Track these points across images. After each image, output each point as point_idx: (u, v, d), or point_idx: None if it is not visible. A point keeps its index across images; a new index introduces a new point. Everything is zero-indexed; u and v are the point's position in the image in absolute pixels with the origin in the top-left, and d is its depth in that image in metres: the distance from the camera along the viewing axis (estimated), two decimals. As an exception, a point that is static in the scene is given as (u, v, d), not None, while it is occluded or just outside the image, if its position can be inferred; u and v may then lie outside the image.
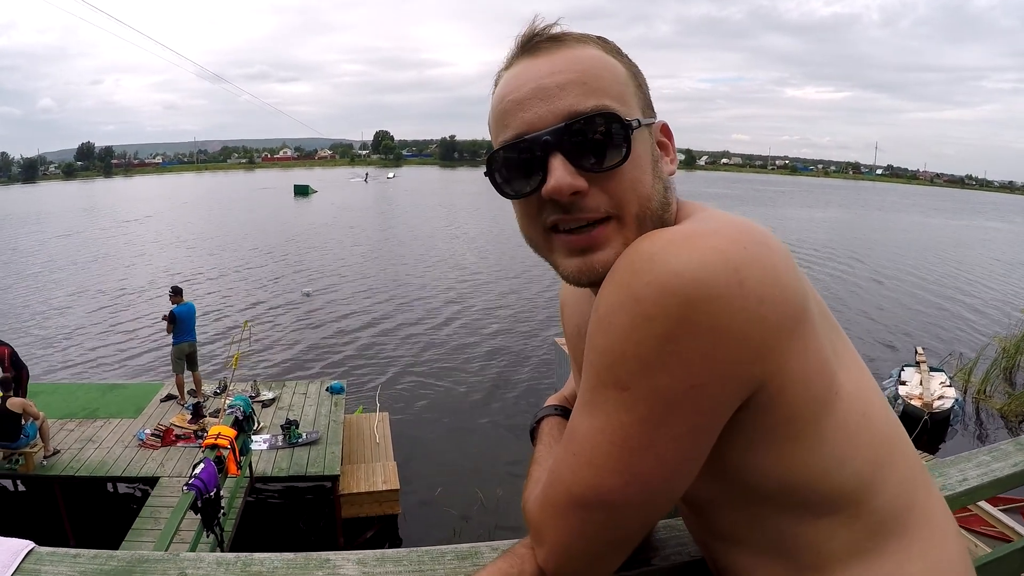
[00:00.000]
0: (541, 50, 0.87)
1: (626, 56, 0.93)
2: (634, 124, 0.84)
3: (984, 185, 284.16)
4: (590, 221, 0.84)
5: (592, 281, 0.86)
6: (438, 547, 0.97)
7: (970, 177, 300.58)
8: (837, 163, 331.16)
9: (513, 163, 0.87)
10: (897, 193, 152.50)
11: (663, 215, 0.88)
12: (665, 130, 0.95)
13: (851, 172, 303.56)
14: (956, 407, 13.47)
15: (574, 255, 0.87)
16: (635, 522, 0.80)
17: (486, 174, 0.91)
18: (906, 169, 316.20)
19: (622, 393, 0.73)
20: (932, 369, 14.90)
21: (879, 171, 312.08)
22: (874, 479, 0.83)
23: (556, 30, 0.90)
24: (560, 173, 0.82)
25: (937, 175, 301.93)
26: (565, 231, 0.86)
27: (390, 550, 0.94)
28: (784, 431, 0.78)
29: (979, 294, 27.78)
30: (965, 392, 15.31)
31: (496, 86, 0.91)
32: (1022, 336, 18.43)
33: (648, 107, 0.92)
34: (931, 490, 0.92)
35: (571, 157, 0.82)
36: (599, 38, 0.92)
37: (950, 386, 14.08)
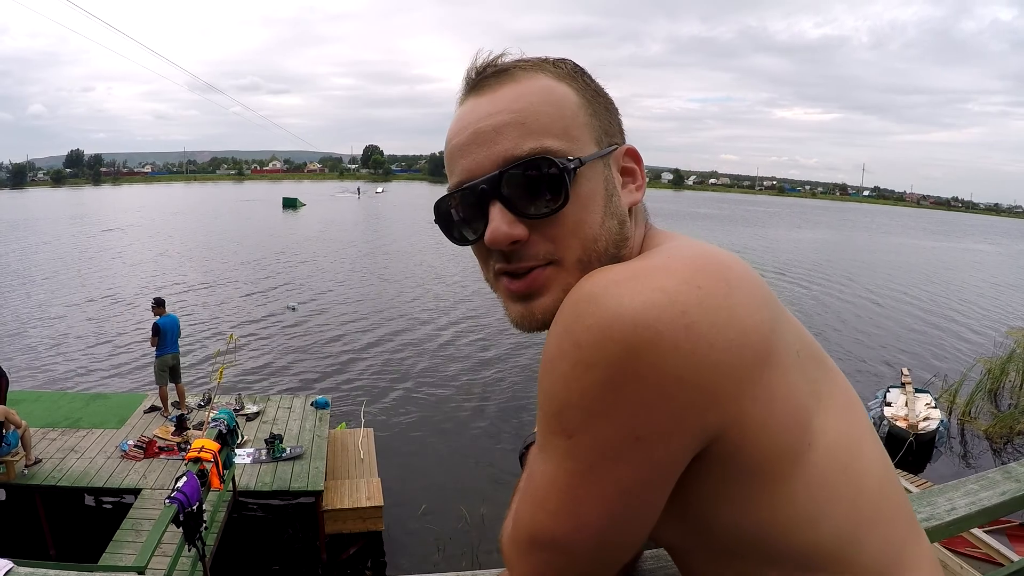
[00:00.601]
0: (485, 88, 0.85)
1: (585, 78, 0.89)
2: (572, 165, 0.80)
3: (970, 207, 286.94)
4: (531, 268, 0.83)
5: (534, 328, 0.85)
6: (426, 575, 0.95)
7: (956, 199, 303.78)
8: (824, 184, 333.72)
9: (457, 211, 0.86)
10: (885, 215, 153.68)
11: (617, 252, 0.84)
12: (632, 154, 0.90)
13: (838, 193, 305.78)
14: (941, 428, 13.52)
15: (517, 301, 0.85)
16: (594, 566, 0.77)
17: (435, 221, 0.89)
18: (893, 191, 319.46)
19: (568, 441, 0.71)
20: (917, 390, 14.95)
21: (866, 192, 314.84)
22: (856, 536, 0.78)
23: (507, 59, 0.87)
24: (496, 223, 0.80)
25: (923, 197, 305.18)
26: (508, 276, 0.85)
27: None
28: (750, 483, 0.74)
29: (968, 315, 27.96)
30: (950, 413, 15.37)
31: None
32: (1007, 357, 18.58)
33: (606, 134, 0.87)
34: (920, 543, 0.86)
35: (509, 205, 0.80)
36: (556, 62, 0.88)
37: (935, 407, 14.12)
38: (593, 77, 0.90)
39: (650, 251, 0.84)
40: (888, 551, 0.80)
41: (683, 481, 0.75)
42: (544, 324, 0.81)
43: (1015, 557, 5.98)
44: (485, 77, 0.86)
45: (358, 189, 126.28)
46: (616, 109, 0.92)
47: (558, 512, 0.73)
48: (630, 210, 0.88)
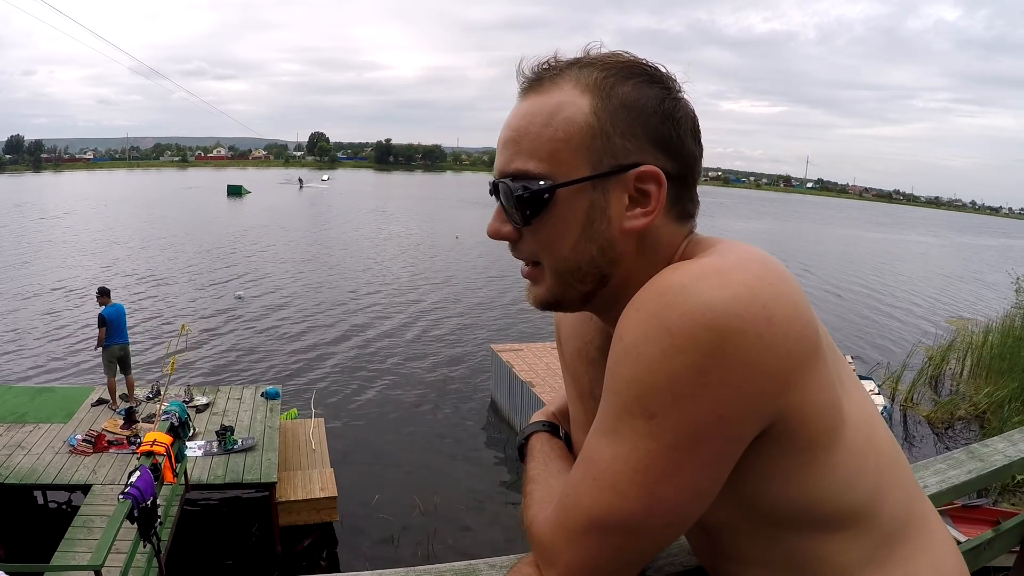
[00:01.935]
0: (523, 94, 0.91)
1: (623, 87, 0.85)
2: (538, 191, 0.85)
3: (911, 200, 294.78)
4: (526, 261, 0.94)
5: (532, 305, 0.96)
6: (436, 565, 0.96)
7: (898, 192, 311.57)
8: (769, 176, 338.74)
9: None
10: (829, 206, 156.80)
11: (597, 272, 0.89)
12: (653, 176, 0.85)
13: (782, 185, 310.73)
14: (884, 414, 13.82)
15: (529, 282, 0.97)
16: (651, 545, 0.83)
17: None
18: (836, 183, 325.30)
19: (649, 422, 0.75)
20: (861, 377, 15.19)
21: (809, 184, 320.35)
22: (880, 494, 0.88)
23: (553, 60, 0.90)
24: (492, 220, 0.93)
25: (866, 189, 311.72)
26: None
27: (377, 571, 0.92)
28: (799, 458, 0.81)
29: (912, 305, 28.87)
30: (893, 400, 15.81)
31: None
32: (947, 346, 19.10)
33: (614, 155, 0.84)
34: (924, 500, 1.00)
35: (504, 208, 0.90)
36: (602, 65, 0.87)
37: (878, 394, 14.48)
38: (652, 80, 0.87)
39: (712, 251, 0.85)
40: (904, 505, 0.92)
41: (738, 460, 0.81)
42: (536, 305, 0.95)
43: (962, 538, 6.16)
44: (527, 82, 0.91)
45: (300, 180, 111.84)
46: (660, 122, 0.86)
47: (628, 492, 0.77)
48: (641, 233, 0.88)
